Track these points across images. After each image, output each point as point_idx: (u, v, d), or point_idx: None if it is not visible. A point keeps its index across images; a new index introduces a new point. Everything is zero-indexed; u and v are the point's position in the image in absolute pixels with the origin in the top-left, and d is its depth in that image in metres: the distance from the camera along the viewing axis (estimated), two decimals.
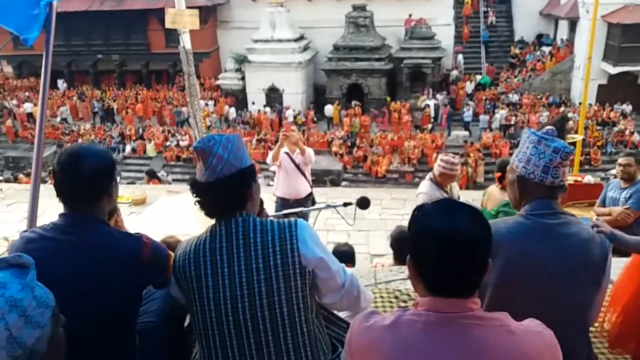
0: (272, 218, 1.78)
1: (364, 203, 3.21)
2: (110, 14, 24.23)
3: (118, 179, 1.86)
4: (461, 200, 4.63)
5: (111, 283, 1.64)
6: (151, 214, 7.43)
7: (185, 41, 8.85)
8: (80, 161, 1.66)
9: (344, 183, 18.70)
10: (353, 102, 22.17)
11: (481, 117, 20.96)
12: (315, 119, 22.87)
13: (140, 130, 22.67)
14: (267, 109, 23.33)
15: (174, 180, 19.58)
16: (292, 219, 1.73)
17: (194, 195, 1.74)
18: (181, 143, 21.28)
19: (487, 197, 4.53)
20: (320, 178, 17.07)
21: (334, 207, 3.28)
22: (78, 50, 25.73)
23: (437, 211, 1.30)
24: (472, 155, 18.44)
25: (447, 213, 1.28)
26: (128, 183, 9.76)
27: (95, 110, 24.71)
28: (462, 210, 1.29)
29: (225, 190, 1.68)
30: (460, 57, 24.35)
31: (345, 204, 3.26)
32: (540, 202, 1.84)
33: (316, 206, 3.92)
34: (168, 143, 21.61)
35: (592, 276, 1.80)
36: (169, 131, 22.49)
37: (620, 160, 4.64)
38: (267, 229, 1.68)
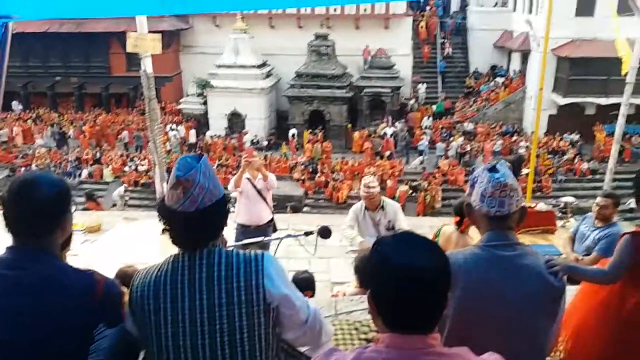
0: (233, 248, 1.74)
1: (325, 232, 3.22)
2: (70, 36, 23.84)
3: (73, 208, 1.80)
4: (404, 226, 4.74)
5: (61, 321, 1.55)
6: (106, 242, 7.23)
7: (147, 65, 8.80)
8: (33, 191, 1.56)
9: (305, 209, 18.71)
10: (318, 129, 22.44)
11: (438, 145, 21.51)
12: (284, 142, 23.01)
13: (98, 155, 22.15)
14: (221, 135, 23.34)
15: (131, 206, 19.13)
16: (258, 251, 1.67)
17: (164, 223, 1.65)
18: (140, 168, 20.87)
19: (444, 239, 4.42)
20: (281, 204, 17.05)
21: (295, 236, 3.28)
22: (35, 72, 25.14)
23: (396, 245, 1.29)
24: (429, 181, 18.86)
25: (406, 247, 1.28)
26: (83, 209, 9.48)
27: (50, 134, 24.00)
28: (421, 245, 1.29)
29: (204, 221, 1.61)
30: (422, 87, 25.00)
31: (307, 234, 3.27)
32: (494, 233, 1.84)
33: (277, 235, 3.91)
34: (126, 168, 21.15)
35: (548, 307, 1.82)
36: (127, 155, 22.05)
37: (598, 200, 4.57)
38: (232, 262, 1.62)
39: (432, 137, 22.16)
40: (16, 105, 25.95)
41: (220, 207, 1.65)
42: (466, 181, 18.74)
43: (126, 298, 1.73)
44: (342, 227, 4.98)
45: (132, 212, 10.59)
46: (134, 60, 17.73)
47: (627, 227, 6.23)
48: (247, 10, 19.50)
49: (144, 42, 8.40)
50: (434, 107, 24.64)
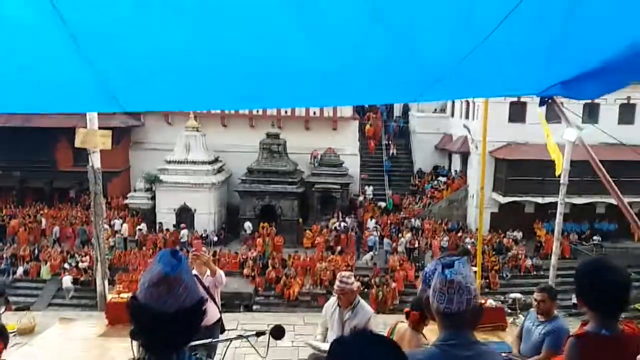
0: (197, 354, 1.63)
1: (278, 332, 3.10)
2: (15, 130, 23.48)
3: (2, 309, 1.65)
4: (371, 323, 4.63)
5: None
6: (39, 345, 6.66)
7: (95, 161, 8.72)
8: None
9: (255, 307, 18.13)
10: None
11: (385, 240, 21.83)
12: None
13: (36, 251, 21.00)
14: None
15: (66, 305, 17.91)
16: None
17: (135, 321, 1.53)
18: (81, 265, 19.83)
19: (399, 337, 4.08)
20: (230, 302, 16.46)
21: (246, 337, 3.13)
22: None
23: (354, 345, 1.28)
24: (381, 277, 18.88)
25: (365, 347, 1.26)
26: (16, 309, 8.79)
27: None
28: (379, 344, 1.28)
29: (183, 322, 1.52)
30: (370, 189, 25.81)
31: (258, 334, 3.13)
32: (449, 331, 1.82)
33: (226, 336, 3.72)
34: (66, 265, 20.05)
35: None
36: (67, 252, 21.01)
37: (535, 295, 4.67)
38: None
39: (381, 232, 22.51)
40: None
41: (199, 309, 1.56)
42: (416, 277, 18.90)
43: None
44: (313, 338, 4.78)
45: (70, 312, 9.89)
46: (81, 155, 17.48)
47: (572, 323, 6.37)
48: (199, 109, 19.99)
49: (93, 138, 8.39)
50: (383, 203, 25.30)
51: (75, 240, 22.30)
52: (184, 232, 22.42)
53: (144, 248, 21.41)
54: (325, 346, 4.56)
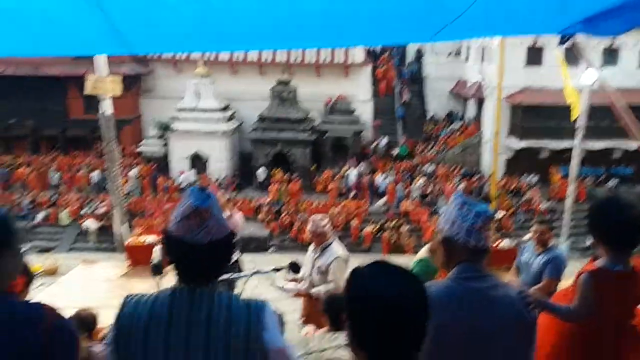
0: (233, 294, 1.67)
1: (295, 267, 3.19)
2: (26, 79, 23.39)
3: (23, 248, 1.64)
4: (336, 280, 4.41)
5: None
6: (63, 286, 6.92)
7: (106, 108, 8.73)
8: None
9: (271, 249, 18.54)
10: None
11: (398, 186, 21.88)
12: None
13: (54, 197, 21.43)
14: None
15: (87, 249, 18.43)
16: (258, 301, 1.62)
17: (169, 253, 1.60)
18: (98, 210, 20.24)
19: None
20: (246, 245, 16.82)
21: (264, 272, 3.21)
22: None
23: (372, 274, 1.27)
24: (394, 221, 19.14)
25: (383, 275, 1.26)
26: (39, 251, 9.08)
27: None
28: (397, 273, 1.27)
29: (215, 254, 1.57)
30: (384, 140, 25.42)
31: (276, 270, 3.22)
32: (467, 265, 1.84)
33: (245, 273, 3.82)
34: (84, 210, 20.47)
35: (526, 336, 1.82)
36: (85, 198, 21.40)
37: (536, 227, 4.81)
38: (232, 307, 1.57)
39: (394, 178, 22.56)
40: None
41: (229, 242, 1.62)
42: (429, 220, 19.08)
43: (85, 346, 1.59)
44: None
45: (91, 255, 10.20)
46: (92, 103, 17.50)
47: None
48: (205, 51, 19.70)
49: (103, 84, 8.35)
50: (397, 149, 25.19)
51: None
52: (183, 176, 22.73)
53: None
54: (289, 285, 4.76)
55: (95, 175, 22.69)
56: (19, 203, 21.03)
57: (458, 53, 27.83)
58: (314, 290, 4.48)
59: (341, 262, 4.49)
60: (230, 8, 1.92)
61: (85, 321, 3.48)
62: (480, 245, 1.83)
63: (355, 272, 1.31)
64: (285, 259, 8.27)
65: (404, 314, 1.21)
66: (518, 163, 23.15)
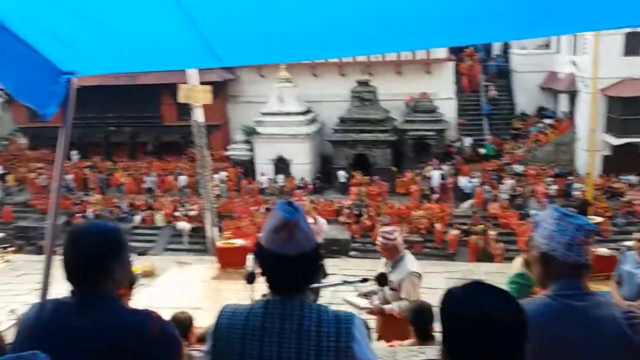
0: (324, 305, 1.70)
1: (382, 279, 3.12)
2: (124, 88, 25.12)
3: (132, 256, 1.78)
4: (406, 299, 4.19)
5: None
6: (159, 286, 7.35)
7: (198, 115, 9.21)
8: (81, 241, 1.62)
9: (352, 253, 18.56)
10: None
11: (485, 187, 21.08)
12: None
13: (150, 200, 22.90)
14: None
15: (180, 250, 19.52)
16: (347, 312, 1.65)
17: (260, 265, 1.67)
18: (190, 213, 21.34)
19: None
20: (327, 247, 16.99)
21: (352, 283, 3.20)
22: (92, 123, 26.42)
23: (466, 295, 1.26)
24: (482, 225, 18.37)
25: (477, 297, 1.25)
26: (138, 254, 9.73)
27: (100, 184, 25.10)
28: (492, 294, 1.26)
29: (303, 265, 1.62)
30: (468, 140, 24.63)
31: (364, 280, 3.18)
32: (567, 282, 1.76)
33: (332, 282, 3.83)
34: (177, 213, 21.69)
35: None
36: (178, 201, 22.66)
37: (638, 235, 4.56)
38: (323, 319, 1.59)
39: (481, 180, 21.76)
40: (75, 155, 27.32)
41: (317, 254, 1.66)
42: (520, 224, 18.18)
43: (185, 350, 1.69)
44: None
45: (184, 257, 10.79)
46: (184, 109, 18.47)
47: None
48: (290, 61, 20.09)
49: (195, 93, 8.83)
50: (483, 149, 24.29)
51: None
52: (263, 178, 23.57)
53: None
54: (361, 301, 4.51)
55: (182, 179, 23.98)
56: (119, 206, 22.68)
57: (547, 45, 26.32)
58: (387, 307, 4.31)
59: (414, 279, 4.29)
60: (314, 19, 1.97)
61: (183, 324, 3.65)
62: (581, 260, 1.74)
63: (452, 292, 1.30)
64: (366, 263, 8.28)
65: (502, 337, 1.20)
66: (616, 161, 21.39)
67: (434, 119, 23.50)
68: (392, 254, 4.35)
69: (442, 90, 24.99)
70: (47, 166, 26.35)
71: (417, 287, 4.27)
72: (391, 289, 4.26)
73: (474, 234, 18.01)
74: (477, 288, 1.29)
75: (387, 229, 4.49)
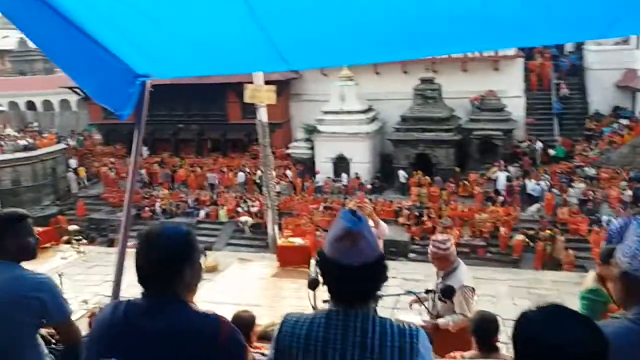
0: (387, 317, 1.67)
1: (448, 292, 3.00)
2: (192, 87, 26.02)
3: (202, 259, 1.81)
4: (461, 313, 4.02)
5: None
6: (221, 282, 7.54)
7: (262, 115, 9.40)
8: (154, 245, 1.66)
9: (411, 255, 18.31)
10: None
11: (554, 190, 20.12)
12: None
13: (215, 196, 23.60)
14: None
15: (241, 245, 19.99)
16: (412, 325, 1.61)
17: (323, 274, 1.66)
18: (252, 209, 21.80)
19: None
20: (386, 249, 16.84)
21: (416, 293, 3.12)
22: (161, 120, 27.56)
23: (543, 320, 1.22)
24: (550, 231, 17.56)
25: (555, 322, 1.20)
26: (205, 248, 10.03)
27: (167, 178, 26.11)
28: (571, 318, 1.21)
29: (366, 276, 1.60)
30: (538, 144, 23.34)
31: (428, 292, 3.08)
32: None
33: (395, 291, 3.74)
34: (239, 209, 22.23)
35: None
36: (240, 197, 23.22)
37: None
38: (386, 331, 1.56)
39: (550, 182, 20.79)
40: (145, 151, 28.64)
41: (381, 265, 1.63)
42: (589, 231, 17.26)
43: (250, 355, 1.71)
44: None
45: (244, 252, 11.03)
46: (248, 108, 18.89)
47: None
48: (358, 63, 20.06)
49: (260, 93, 9.01)
50: (552, 150, 23.22)
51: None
52: (319, 177, 23.81)
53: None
54: (415, 319, 4.14)
55: (240, 175, 24.69)
56: (185, 201, 23.54)
57: (625, 41, 24.74)
58: (441, 323, 4.08)
59: (468, 292, 4.06)
60: (382, 22, 1.94)
61: (245, 323, 3.69)
62: None
63: (527, 317, 1.26)
64: (426, 267, 8.11)
65: None
66: None
67: (501, 118, 22.68)
68: (445, 264, 4.13)
69: (510, 88, 24.11)
70: (118, 161, 27.82)
71: (470, 302, 4.06)
72: (441, 299, 3.98)
73: (540, 239, 17.26)
74: (554, 312, 1.24)
75: (440, 237, 4.23)
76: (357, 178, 23.49)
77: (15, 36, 46.20)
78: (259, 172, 23.22)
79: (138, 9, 1.97)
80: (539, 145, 23.21)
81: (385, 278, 1.65)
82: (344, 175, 23.74)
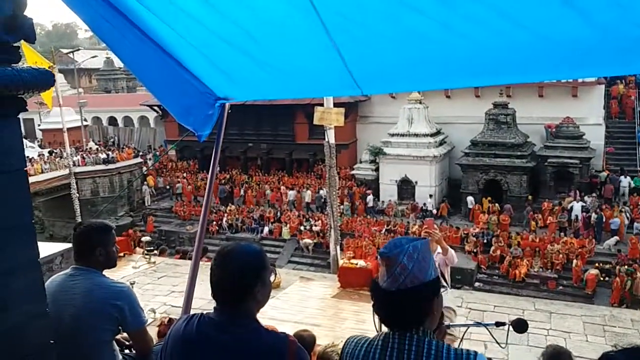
0: (449, 343, 1.65)
1: (521, 326, 2.85)
2: (262, 107, 26.76)
3: (273, 277, 1.86)
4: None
5: None
6: (282, 300, 7.59)
7: (330, 136, 9.49)
8: (228, 262, 1.71)
9: (477, 284, 17.69)
10: None
11: (635, 224, 18.82)
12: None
13: (278, 214, 24.01)
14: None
15: (302, 263, 20.13)
16: (470, 350, 1.58)
17: (372, 298, 1.69)
18: (314, 228, 21.94)
19: None
20: (451, 276, 16.37)
21: (485, 325, 3.00)
22: (232, 139, 28.51)
23: None
24: (629, 266, 16.39)
25: None
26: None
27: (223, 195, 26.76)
28: None
29: (404, 302, 1.60)
30: (626, 180, 21.75)
31: (498, 324, 2.96)
32: None
33: (465, 322, 3.62)
34: (302, 227, 22.44)
35: None
36: (303, 216, 23.46)
37: None
38: (442, 355, 1.56)
39: (631, 215, 19.49)
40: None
41: (424, 292, 1.61)
42: None
43: None
44: None
45: (305, 270, 11.09)
46: (315, 128, 19.19)
47: None
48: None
49: (329, 116, 9.12)
50: (632, 181, 21.79)
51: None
52: (370, 197, 23.70)
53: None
54: None
55: (291, 194, 25.24)
56: (252, 217, 24.07)
57: None
58: None
59: None
60: (450, 51, 1.94)
61: (306, 342, 3.72)
62: None
63: (610, 357, 1.20)
64: (493, 299, 7.81)
65: None
66: None
67: (579, 145, 21.59)
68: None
69: (589, 115, 23.06)
70: (189, 176, 28.97)
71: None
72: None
73: (617, 274, 16.16)
74: (638, 353, 1.17)
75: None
76: (416, 204, 23.16)
77: (103, 56, 49.83)
78: (308, 192, 23.52)
79: (228, 41, 2.10)
80: (626, 180, 21.61)
81: (430, 307, 1.63)
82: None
